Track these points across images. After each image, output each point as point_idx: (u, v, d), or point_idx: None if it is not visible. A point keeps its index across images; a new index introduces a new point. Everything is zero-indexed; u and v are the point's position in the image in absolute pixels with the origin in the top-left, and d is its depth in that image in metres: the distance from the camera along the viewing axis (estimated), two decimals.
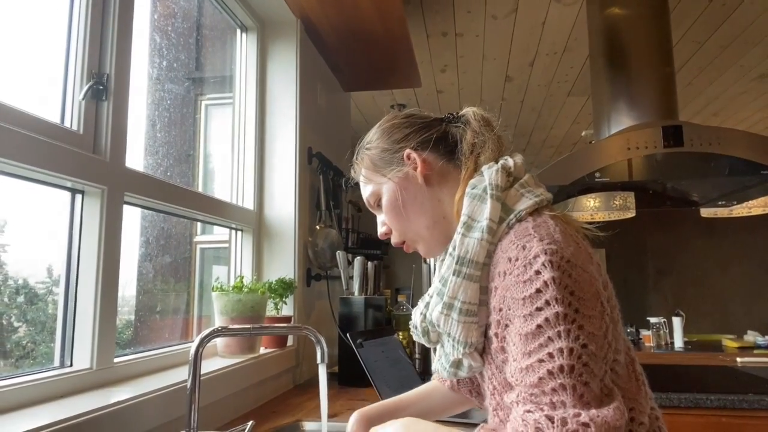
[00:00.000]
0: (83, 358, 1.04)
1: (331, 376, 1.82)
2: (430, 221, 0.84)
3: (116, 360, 1.12)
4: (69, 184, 1.05)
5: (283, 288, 1.70)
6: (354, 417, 0.95)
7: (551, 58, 3.12)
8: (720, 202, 2.56)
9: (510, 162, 0.80)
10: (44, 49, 1.11)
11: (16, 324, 1.15)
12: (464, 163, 0.84)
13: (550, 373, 0.60)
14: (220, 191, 1.91)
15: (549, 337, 0.61)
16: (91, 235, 1.08)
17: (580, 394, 0.58)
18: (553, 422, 0.57)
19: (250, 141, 1.93)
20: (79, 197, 1.09)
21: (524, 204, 0.74)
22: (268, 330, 1.46)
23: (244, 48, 1.98)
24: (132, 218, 1.44)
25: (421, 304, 0.85)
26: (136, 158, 1.40)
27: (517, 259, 0.66)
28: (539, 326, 0.62)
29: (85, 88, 1.07)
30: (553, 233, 0.67)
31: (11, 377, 0.92)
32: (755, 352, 3.21)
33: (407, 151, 0.86)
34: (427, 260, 0.89)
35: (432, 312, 0.79)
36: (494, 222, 0.73)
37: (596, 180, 1.94)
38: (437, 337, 0.82)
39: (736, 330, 4.90)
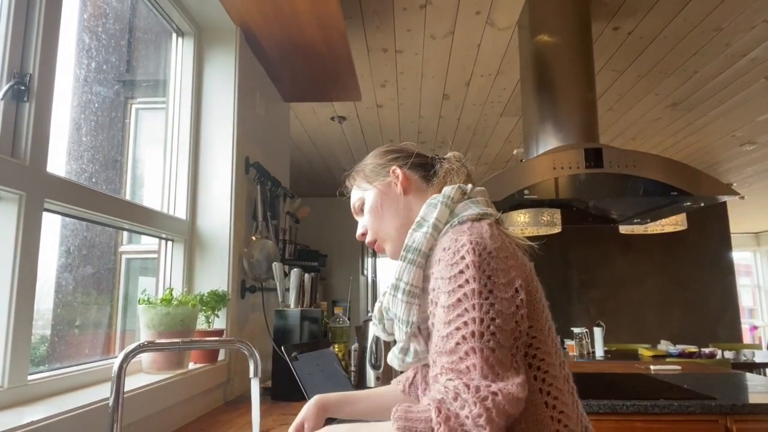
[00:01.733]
0: None
1: (263, 391, 1.78)
2: (399, 224, 0.99)
3: (30, 377, 1.05)
4: None
5: (215, 300, 1.65)
6: (312, 402, 1.02)
7: (485, 79, 3.25)
8: (636, 220, 2.76)
9: (468, 187, 0.95)
10: None
11: None
12: (435, 184, 1.01)
13: (463, 338, 0.71)
14: (150, 199, 1.83)
15: (465, 308, 0.73)
16: (5, 244, 1.01)
17: (486, 356, 0.70)
18: (468, 388, 0.67)
19: (183, 148, 1.87)
20: None
21: (469, 212, 0.88)
22: (198, 344, 1.41)
23: (180, 53, 1.93)
24: (52, 226, 1.36)
25: (381, 297, 0.97)
26: (58, 163, 1.33)
27: (449, 248, 0.80)
28: (458, 299, 0.74)
29: (5, 88, 1.00)
30: (483, 233, 0.80)
31: None
32: (667, 360, 3.45)
33: (393, 166, 1.03)
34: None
35: (384, 296, 0.94)
36: (440, 222, 0.88)
37: (525, 197, 2.04)
38: (391, 326, 0.94)
39: (650, 339, 5.27)
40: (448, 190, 0.92)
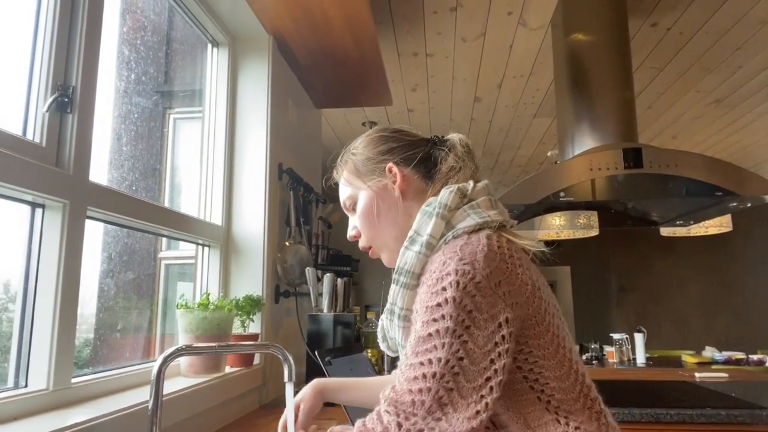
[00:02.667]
0: (39, 378, 1.00)
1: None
2: (398, 232, 0.90)
3: (74, 380, 1.08)
4: (29, 198, 1.02)
5: (250, 305, 1.67)
6: (311, 385, 1.03)
7: (518, 80, 3.21)
8: (678, 222, 2.66)
9: (469, 186, 0.86)
10: (7, 59, 1.08)
11: None
12: (435, 183, 0.90)
13: (424, 376, 0.69)
14: (188, 206, 1.87)
15: (434, 345, 0.70)
16: (51, 250, 1.05)
17: (439, 396, 0.67)
18: (400, 428, 0.67)
19: (219, 156, 1.91)
20: (39, 211, 1.05)
21: (466, 223, 0.81)
22: (234, 348, 1.43)
23: (215, 62, 1.98)
24: (94, 233, 1.41)
25: (383, 315, 0.92)
26: (100, 172, 1.37)
27: (434, 273, 0.74)
28: (430, 334, 0.71)
29: (50, 100, 1.05)
30: (476, 252, 0.74)
31: None
32: (713, 367, 3.31)
33: (390, 164, 0.92)
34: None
35: (383, 320, 0.90)
36: (434, 238, 0.81)
37: (561, 199, 2.00)
38: (395, 344, 0.91)
39: (694, 346, 5.06)
40: (445, 195, 0.84)
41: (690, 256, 5.68)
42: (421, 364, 0.70)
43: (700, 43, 2.76)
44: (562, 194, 1.97)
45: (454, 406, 0.67)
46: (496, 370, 0.69)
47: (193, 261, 1.82)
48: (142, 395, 1.15)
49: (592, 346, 3.26)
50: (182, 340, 1.43)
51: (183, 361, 1.46)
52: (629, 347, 3.53)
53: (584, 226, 2.58)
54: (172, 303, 1.76)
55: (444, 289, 0.71)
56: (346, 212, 1.00)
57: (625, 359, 3.48)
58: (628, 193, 2.17)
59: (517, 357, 0.74)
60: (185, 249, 1.86)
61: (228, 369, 1.60)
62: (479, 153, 0.95)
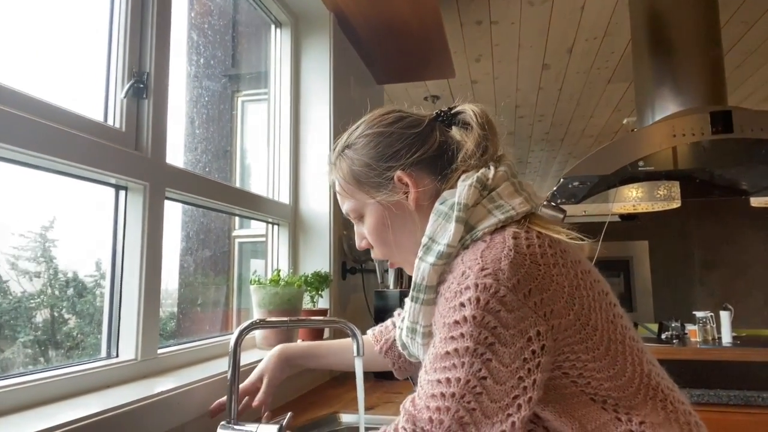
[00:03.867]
0: (128, 349, 1.08)
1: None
2: (417, 244, 0.76)
3: (160, 351, 1.16)
4: (113, 181, 1.08)
5: (318, 281, 1.71)
6: (275, 352, 1.02)
7: (590, 43, 3.02)
8: None
9: (489, 174, 0.74)
10: (87, 48, 1.14)
11: (66, 316, 1.20)
12: (452, 176, 0.77)
13: (442, 394, 0.64)
14: (257, 186, 1.93)
15: (453, 364, 0.64)
16: (134, 230, 1.11)
17: (460, 417, 0.63)
18: None
19: (285, 136, 1.95)
20: (122, 193, 1.12)
21: (487, 222, 0.70)
22: (305, 323, 1.48)
23: (279, 43, 2.00)
24: (173, 213, 1.48)
25: (399, 321, 0.86)
26: (176, 155, 1.44)
27: (453, 283, 0.66)
28: (448, 352, 0.64)
29: (127, 86, 1.10)
30: (500, 260, 0.64)
31: (63, 367, 0.95)
32: None
33: (399, 173, 0.78)
34: None
35: (401, 333, 0.82)
36: (453, 247, 0.70)
37: (639, 169, 1.87)
38: (416, 355, 0.83)
39: None
40: (463, 192, 0.71)
41: None
42: (439, 382, 0.64)
43: None
44: (640, 164, 1.84)
45: (477, 426, 0.63)
46: (525, 388, 0.63)
47: (263, 239, 1.89)
48: (222, 365, 1.21)
49: (673, 325, 3.09)
50: (256, 314, 1.49)
51: (258, 334, 1.53)
52: (714, 326, 3.31)
53: (664, 198, 2.42)
54: (246, 279, 1.83)
55: (462, 305, 0.63)
56: (349, 218, 0.87)
57: (710, 338, 3.27)
58: (715, 160, 2.01)
59: (561, 365, 0.67)
60: (256, 227, 1.93)
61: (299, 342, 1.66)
62: (499, 127, 0.78)
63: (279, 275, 1.53)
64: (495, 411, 0.63)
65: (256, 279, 1.50)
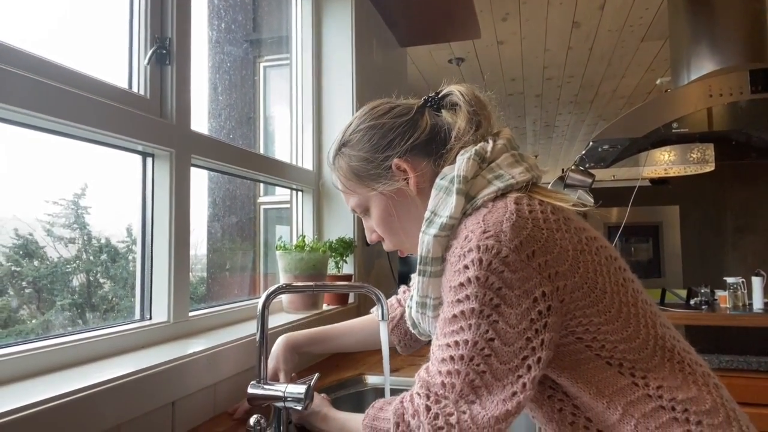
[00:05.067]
0: (161, 311, 1.11)
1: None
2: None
3: (191, 314, 1.19)
4: (140, 148, 1.10)
5: (343, 247, 1.73)
6: (281, 343, 1.03)
7: (623, 0, 2.89)
8: None
9: (488, 146, 0.75)
10: (109, 15, 1.14)
11: (101, 280, 1.25)
12: (449, 156, 0.78)
13: (452, 358, 0.65)
14: (281, 153, 1.94)
15: (461, 327, 0.65)
16: (162, 197, 1.13)
17: (471, 379, 0.64)
18: (428, 411, 0.65)
19: (307, 101, 1.94)
20: (149, 160, 1.13)
21: (487, 191, 0.71)
22: (330, 288, 1.50)
23: (300, 6, 1.96)
24: (200, 180, 1.50)
25: (409, 300, 0.87)
26: (200, 121, 1.45)
27: (457, 248, 0.68)
28: (455, 316, 0.66)
29: (149, 52, 1.10)
30: (501, 222, 0.65)
31: (99, 329, 0.99)
32: None
33: (395, 161, 0.79)
34: None
35: (410, 312, 0.83)
36: (455, 218, 0.71)
37: (673, 131, 1.80)
38: (426, 331, 0.84)
39: None
40: (462, 165, 0.73)
41: None
42: (448, 345, 0.66)
43: None
44: (674, 125, 1.77)
45: (489, 389, 0.64)
46: (533, 348, 0.64)
47: (288, 205, 1.90)
48: (250, 328, 1.24)
49: (702, 291, 3.04)
50: (282, 279, 1.51)
51: (284, 298, 1.56)
52: (744, 291, 3.25)
53: (698, 161, 2.34)
54: (271, 245, 1.86)
55: (466, 267, 0.65)
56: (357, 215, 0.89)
57: (740, 304, 3.21)
58: (754, 121, 1.92)
59: (575, 330, 0.67)
60: (281, 194, 1.95)
61: (325, 307, 1.69)
62: (492, 105, 0.80)
63: (304, 241, 1.55)
64: (505, 373, 0.64)
65: (282, 245, 1.52)
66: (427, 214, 0.74)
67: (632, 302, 0.70)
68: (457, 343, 0.65)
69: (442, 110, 0.83)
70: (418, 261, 0.74)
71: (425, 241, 0.73)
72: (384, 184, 0.81)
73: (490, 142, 0.76)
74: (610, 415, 0.68)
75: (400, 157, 0.80)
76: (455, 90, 0.81)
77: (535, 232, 0.66)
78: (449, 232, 0.71)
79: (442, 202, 0.73)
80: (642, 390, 0.67)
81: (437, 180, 0.75)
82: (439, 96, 0.84)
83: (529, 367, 0.64)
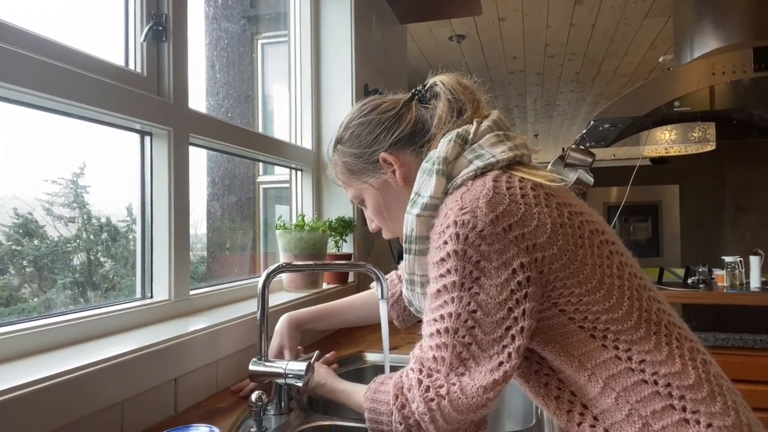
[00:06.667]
0: (162, 290, 1.12)
1: None
2: None
3: (192, 292, 1.20)
4: (138, 126, 1.09)
5: (342, 226, 1.73)
6: (284, 322, 1.05)
7: None
8: None
9: (470, 129, 0.79)
10: None
11: (102, 259, 1.25)
12: (431, 141, 0.82)
13: (438, 332, 0.69)
14: (280, 131, 1.92)
15: (445, 301, 0.68)
16: (161, 176, 1.13)
17: (458, 352, 0.67)
18: (420, 384, 0.68)
19: (306, 80, 1.92)
20: (147, 139, 1.13)
21: (467, 170, 0.74)
22: (330, 267, 1.51)
23: None
24: (199, 159, 1.49)
25: (404, 284, 0.89)
26: (198, 100, 1.43)
27: (438, 225, 0.71)
28: (438, 290, 0.69)
29: (146, 29, 1.08)
30: (478, 199, 0.68)
31: (101, 307, 1.00)
32: None
33: (382, 154, 0.84)
34: None
35: (403, 288, 0.87)
36: (436, 198, 0.74)
37: (675, 110, 1.79)
38: (419, 310, 0.86)
39: None
40: (443, 147, 0.76)
41: None
42: (435, 320, 0.69)
43: None
44: (676, 104, 1.76)
45: (476, 360, 0.67)
46: (515, 318, 0.66)
47: (287, 185, 1.90)
48: (250, 307, 1.25)
49: (700, 269, 3.05)
50: (282, 258, 1.52)
51: (285, 277, 1.57)
52: (742, 270, 3.27)
53: (698, 140, 2.33)
54: (271, 224, 1.86)
55: (445, 243, 0.68)
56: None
57: (737, 283, 3.23)
58: (757, 100, 1.90)
59: (557, 301, 0.69)
60: (280, 173, 1.94)
61: (325, 285, 1.70)
62: (479, 92, 0.84)
63: (303, 220, 1.55)
64: (490, 343, 0.67)
65: (282, 224, 1.52)
66: (411, 195, 0.78)
67: (617, 274, 0.71)
68: (442, 316, 0.68)
69: (430, 102, 0.85)
70: (404, 240, 0.78)
71: (409, 220, 0.77)
72: (374, 177, 0.86)
73: (474, 124, 0.79)
74: (591, 388, 0.69)
75: (386, 151, 0.84)
76: (438, 80, 0.85)
77: (511, 206, 0.68)
78: (432, 212, 0.74)
79: (425, 183, 0.76)
80: (624, 363, 0.67)
81: (423, 163, 0.79)
82: (425, 88, 0.87)
83: (513, 337, 0.67)
